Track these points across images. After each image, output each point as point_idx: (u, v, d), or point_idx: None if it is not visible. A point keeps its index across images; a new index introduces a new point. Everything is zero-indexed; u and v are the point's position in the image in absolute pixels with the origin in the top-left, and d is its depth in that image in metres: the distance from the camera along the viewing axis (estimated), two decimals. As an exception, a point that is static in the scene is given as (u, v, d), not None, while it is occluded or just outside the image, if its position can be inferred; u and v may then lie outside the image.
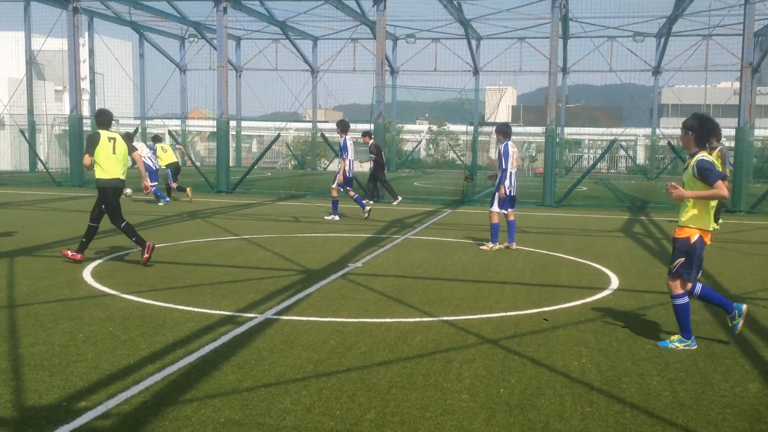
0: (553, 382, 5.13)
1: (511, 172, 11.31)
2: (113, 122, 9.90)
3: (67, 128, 24.69)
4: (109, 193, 9.26)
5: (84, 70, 28.01)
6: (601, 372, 5.36)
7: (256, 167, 26.86)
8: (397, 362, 5.46)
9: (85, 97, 30.04)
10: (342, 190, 15.51)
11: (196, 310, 6.89)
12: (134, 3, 27.13)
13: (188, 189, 18.30)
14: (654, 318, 7.04)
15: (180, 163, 19.46)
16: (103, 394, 4.59)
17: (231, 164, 24.05)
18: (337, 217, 15.11)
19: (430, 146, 51.68)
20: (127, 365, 5.19)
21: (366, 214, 15.16)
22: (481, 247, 11.49)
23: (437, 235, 13.11)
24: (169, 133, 27.40)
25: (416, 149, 46.47)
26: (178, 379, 4.94)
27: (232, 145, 31.67)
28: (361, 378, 5.07)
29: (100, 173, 9.22)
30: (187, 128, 36.53)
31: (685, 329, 6.00)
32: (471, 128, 27.00)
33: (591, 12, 30.86)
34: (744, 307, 6.07)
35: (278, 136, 24.35)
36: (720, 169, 5.97)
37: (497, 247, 11.39)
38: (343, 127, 15.49)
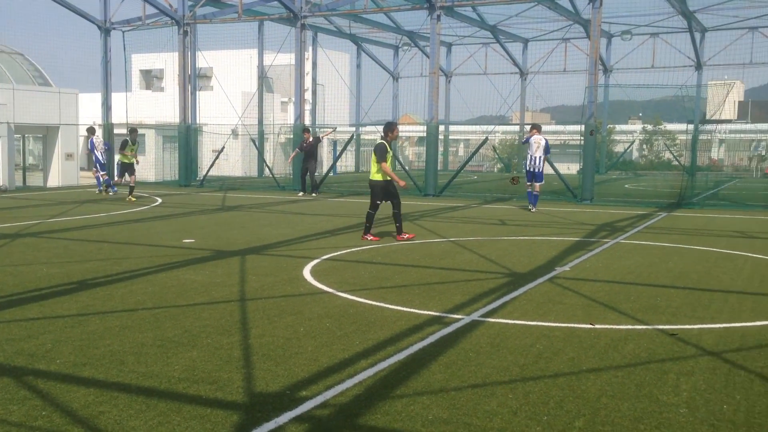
0: (786, 402, 4.68)
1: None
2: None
3: (291, 137, 26.61)
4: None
5: (307, 81, 30.04)
6: None
7: (462, 171, 27.15)
8: (607, 370, 5.28)
9: (307, 107, 32.20)
10: (528, 183, 17.59)
11: (405, 309, 7.13)
12: (354, 16, 28.59)
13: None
14: None
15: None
16: (322, 386, 4.90)
17: (438, 168, 24.52)
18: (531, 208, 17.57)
19: (644, 147, 48.95)
20: (343, 359, 5.50)
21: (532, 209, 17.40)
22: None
23: (651, 240, 12.43)
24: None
25: (628, 150, 44.30)
26: (389, 375, 5.15)
27: (440, 149, 32.24)
28: (569, 384, 4.97)
29: None
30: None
31: None
32: (691, 127, 25.20)
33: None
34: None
35: (486, 139, 24.41)
36: None
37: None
38: (535, 127, 17.71)
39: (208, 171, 26.88)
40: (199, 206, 18.32)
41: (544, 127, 19.33)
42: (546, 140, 17.41)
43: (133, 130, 20.76)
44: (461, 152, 53.47)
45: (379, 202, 12.19)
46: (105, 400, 4.60)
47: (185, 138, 26.25)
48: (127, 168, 20.24)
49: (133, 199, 19.73)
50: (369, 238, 12.08)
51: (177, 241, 11.76)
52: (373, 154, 12.14)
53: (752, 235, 13.21)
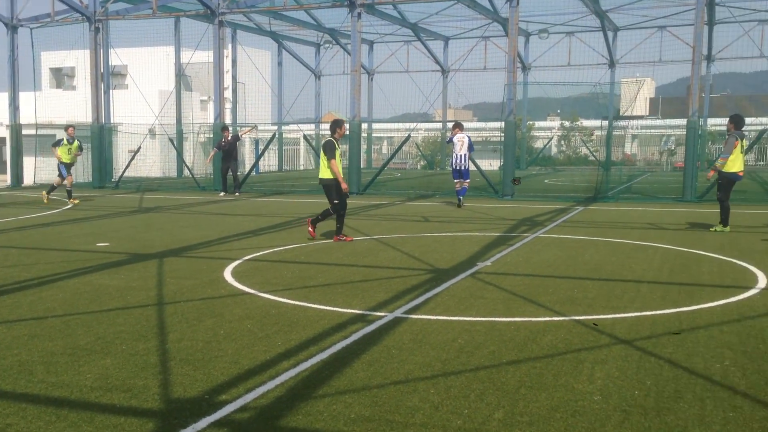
0: (693, 385, 4.88)
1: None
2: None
3: (211, 136, 26.13)
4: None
5: (227, 80, 29.53)
6: (746, 375, 5.05)
7: (386, 168, 27.26)
8: (526, 362, 5.38)
9: (228, 105, 31.65)
10: (456, 181, 17.95)
11: (328, 308, 7.09)
12: (274, 14, 28.25)
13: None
14: (809, 320, 6.54)
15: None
16: (242, 389, 4.82)
17: (362, 166, 24.53)
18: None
19: (562, 143, 50.38)
20: (264, 361, 5.42)
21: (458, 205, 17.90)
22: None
23: (568, 233, 12.78)
24: (304, 137, 28.39)
25: (547, 146, 45.48)
26: (312, 375, 5.11)
27: (363, 146, 32.26)
28: (490, 377, 5.04)
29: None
30: (320, 132, 37.53)
31: None
32: (605, 123, 26.06)
33: (740, -5, 29.00)
34: None
35: (408, 137, 24.57)
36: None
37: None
38: (457, 125, 18.18)
39: (124, 172, 26.10)
40: (115, 208, 17.76)
41: (466, 124, 19.65)
42: (469, 138, 17.81)
43: (68, 127, 19.61)
44: (384, 150, 53.74)
45: (336, 201, 11.79)
46: (12, 412, 4.39)
47: (98, 138, 25.42)
48: (68, 167, 19.18)
49: (46, 201, 18.96)
50: (309, 229, 11.95)
51: (90, 245, 11.36)
52: (321, 152, 11.81)
53: (663, 227, 13.75)
